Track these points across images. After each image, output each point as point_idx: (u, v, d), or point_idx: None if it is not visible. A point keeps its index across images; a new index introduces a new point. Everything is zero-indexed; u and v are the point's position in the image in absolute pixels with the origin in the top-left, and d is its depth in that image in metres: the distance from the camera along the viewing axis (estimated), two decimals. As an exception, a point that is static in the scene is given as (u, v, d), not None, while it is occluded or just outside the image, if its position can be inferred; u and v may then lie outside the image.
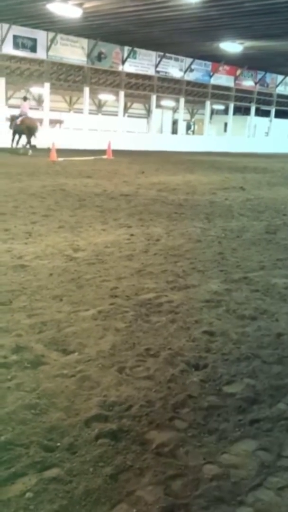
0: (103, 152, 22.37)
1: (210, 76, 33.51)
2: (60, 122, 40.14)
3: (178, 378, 3.02)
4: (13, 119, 21.44)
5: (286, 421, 2.65)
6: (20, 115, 21.19)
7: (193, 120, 46.25)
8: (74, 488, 2.09)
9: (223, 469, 2.27)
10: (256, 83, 36.86)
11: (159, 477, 2.20)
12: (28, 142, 21.36)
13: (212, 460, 2.32)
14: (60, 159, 18.82)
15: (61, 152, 20.12)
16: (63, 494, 2.06)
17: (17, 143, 21.54)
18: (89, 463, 2.25)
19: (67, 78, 29.59)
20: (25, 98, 22.92)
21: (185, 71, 31.87)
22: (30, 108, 23.39)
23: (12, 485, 2.10)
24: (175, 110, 41.16)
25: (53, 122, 35.15)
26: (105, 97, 39.28)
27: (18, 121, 20.96)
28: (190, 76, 32.35)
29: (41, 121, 23.88)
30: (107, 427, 2.49)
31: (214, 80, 33.84)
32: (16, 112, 22.40)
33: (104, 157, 21.58)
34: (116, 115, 31.69)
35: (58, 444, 2.37)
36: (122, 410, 2.65)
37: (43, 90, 27.71)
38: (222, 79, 34.40)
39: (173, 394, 2.84)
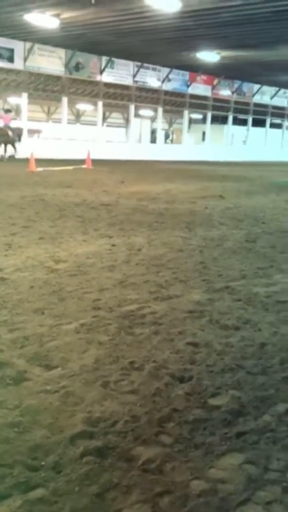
0: (82, 161, 22.34)
1: (188, 86, 33.79)
2: (38, 132, 40.02)
3: (163, 392, 2.99)
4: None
5: (272, 433, 2.64)
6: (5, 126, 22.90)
7: (171, 129, 46.56)
8: (60, 509, 2.05)
9: (210, 484, 2.24)
10: (233, 93, 37.27)
11: (147, 494, 2.16)
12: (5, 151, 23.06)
13: (199, 475, 2.30)
14: (39, 169, 18.75)
15: (40, 162, 20.05)
16: (49, 515, 2.02)
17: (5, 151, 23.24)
18: (74, 482, 2.21)
19: (45, 88, 29.55)
20: (7, 110, 24.30)
21: (163, 81, 32.09)
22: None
23: (-4, 508, 2.05)
24: (153, 119, 41.37)
25: (32, 132, 35.01)
26: (84, 106, 39.30)
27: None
28: (168, 86, 32.58)
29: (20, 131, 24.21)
30: (92, 444, 2.45)
31: (192, 90, 34.13)
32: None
33: (84, 166, 21.56)
34: (95, 124, 31.72)
35: (43, 463, 2.32)
36: (107, 426, 2.62)
37: (21, 100, 27.65)
38: (200, 88, 34.71)
39: (158, 408, 2.81)
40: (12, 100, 35.26)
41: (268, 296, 4.90)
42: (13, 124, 24.50)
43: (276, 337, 3.90)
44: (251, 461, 2.41)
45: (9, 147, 23.45)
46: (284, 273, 5.80)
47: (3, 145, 23.28)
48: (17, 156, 23.90)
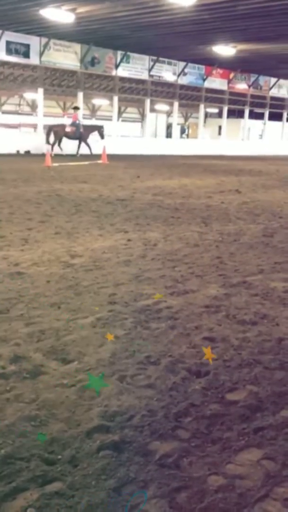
0: (98, 157, 22.34)
1: (204, 80, 33.57)
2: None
3: (179, 386, 2.98)
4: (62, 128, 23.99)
5: (291, 429, 2.61)
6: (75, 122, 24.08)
7: (187, 123, 46.33)
8: (76, 503, 2.04)
9: (228, 480, 2.22)
10: (249, 86, 36.96)
11: (163, 489, 2.15)
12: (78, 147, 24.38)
13: (216, 471, 2.28)
14: (55, 164, 18.79)
15: (56, 157, 20.09)
16: (66, 509, 2.01)
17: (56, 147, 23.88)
18: (91, 476, 2.20)
19: (60, 83, 29.61)
20: (75, 108, 25.77)
21: (179, 75, 31.92)
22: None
23: (13, 501, 2.05)
24: (169, 114, 41.21)
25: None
26: (99, 101, 39.29)
27: (81, 128, 24.04)
28: (184, 80, 32.39)
29: (35, 126, 24.45)
30: (109, 438, 2.44)
31: (208, 84, 33.90)
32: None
33: (99, 162, 21.56)
34: (111, 119, 31.69)
35: (59, 457, 2.32)
36: (124, 420, 2.61)
37: (37, 95, 27.69)
38: (216, 82, 34.46)
39: (175, 403, 2.80)
40: (28, 95, 35.40)
41: (285, 291, 4.85)
42: (84, 122, 25.97)
43: (294, 332, 3.86)
44: (270, 456, 2.39)
45: (80, 144, 24.31)
46: (301, 267, 5.74)
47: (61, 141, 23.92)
48: (32, 152, 24.16)
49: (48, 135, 23.87)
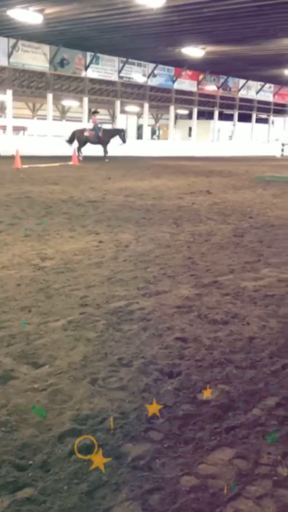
0: (68, 158, 22.23)
1: (173, 81, 33.72)
2: (23, 129, 39.77)
3: (152, 387, 2.97)
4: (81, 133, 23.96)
5: (262, 427, 2.63)
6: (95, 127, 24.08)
7: (157, 125, 46.46)
8: (48, 509, 2.02)
9: (200, 480, 2.22)
10: (218, 88, 37.27)
11: (136, 491, 2.14)
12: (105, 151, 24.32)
13: (189, 471, 2.28)
14: (25, 166, 18.62)
15: (25, 159, 19.91)
16: (37, 515, 1.99)
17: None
18: (63, 481, 2.18)
19: (29, 85, 29.36)
20: (94, 112, 25.60)
21: (148, 76, 31.99)
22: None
23: (-17, 509, 2.02)
24: (139, 115, 41.28)
25: (17, 129, 34.79)
26: (69, 103, 39.10)
27: (100, 133, 23.92)
28: (154, 81, 32.48)
29: (3, 128, 24.15)
30: (81, 442, 2.42)
31: (178, 85, 34.07)
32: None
33: (70, 163, 21.45)
34: (81, 121, 31.56)
35: (31, 462, 2.29)
36: (96, 423, 2.59)
37: (5, 97, 27.41)
38: (185, 84, 34.66)
39: (148, 404, 2.79)
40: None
41: (256, 290, 4.90)
42: (105, 126, 26.26)
43: (265, 331, 3.90)
44: (241, 455, 2.40)
45: (105, 148, 24.29)
46: (271, 267, 5.81)
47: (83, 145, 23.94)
48: (2, 154, 23.89)
49: (71, 139, 23.90)
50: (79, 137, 23.68)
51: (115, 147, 25.21)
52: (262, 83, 39.73)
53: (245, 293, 4.79)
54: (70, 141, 23.85)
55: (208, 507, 2.07)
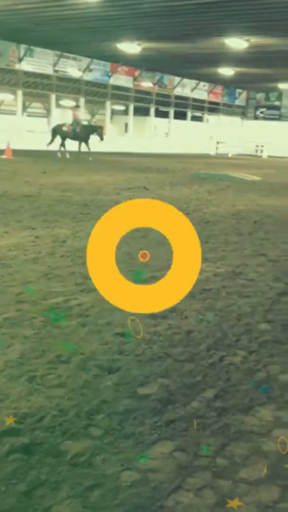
0: (1, 152, 21.68)
1: (109, 77, 33.60)
2: None
3: (91, 384, 2.95)
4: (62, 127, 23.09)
5: (201, 419, 2.66)
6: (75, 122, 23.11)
7: (94, 120, 46.16)
8: (-15, 511, 1.95)
9: (141, 475, 2.22)
10: (154, 84, 37.47)
11: (76, 489, 2.11)
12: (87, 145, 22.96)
13: (130, 466, 2.27)
14: None
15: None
16: (-26, 519, 1.92)
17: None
18: (1, 481, 2.11)
19: None
20: (75, 107, 25.07)
21: (84, 71, 31.71)
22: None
23: None
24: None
25: None
26: (2, 96, 38.11)
27: (78, 128, 22.89)
28: (89, 76, 32.24)
29: None
30: (19, 441, 2.36)
31: (114, 81, 33.98)
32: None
33: (3, 157, 20.94)
34: (15, 114, 30.87)
35: None
36: (34, 421, 2.53)
37: None
38: (121, 79, 34.62)
39: (87, 401, 2.76)
40: None
41: (194, 284, 4.95)
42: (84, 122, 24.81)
43: (202, 324, 3.96)
44: (181, 448, 2.42)
45: (80, 144, 23.02)
46: (208, 262, 5.90)
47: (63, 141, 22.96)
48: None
49: (52, 137, 23.12)
50: (59, 132, 22.97)
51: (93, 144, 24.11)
52: (197, 81, 40.30)
53: (183, 288, 4.82)
54: (52, 140, 23.08)
55: (149, 501, 2.07)
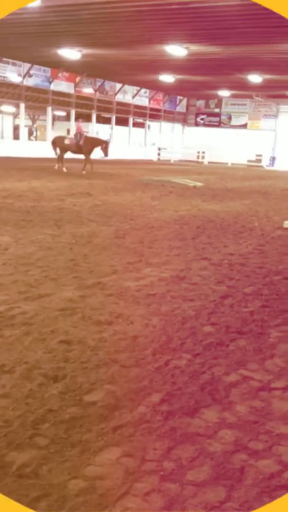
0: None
1: (50, 82, 33.33)
2: None
3: (36, 393, 2.90)
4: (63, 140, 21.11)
5: (148, 424, 2.67)
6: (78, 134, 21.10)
7: (35, 126, 45.68)
8: None
9: (88, 482, 2.21)
10: (95, 91, 37.46)
11: (22, 501, 2.07)
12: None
13: (76, 475, 2.25)
14: None
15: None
16: None
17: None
18: None
19: None
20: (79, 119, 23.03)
21: (24, 76, 31.32)
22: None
23: None
24: (15, 115, 40.25)
25: None
26: None
27: (81, 141, 20.73)
28: (30, 82, 31.85)
29: None
30: None
31: (54, 86, 33.71)
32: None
33: None
34: None
35: None
36: (-22, 434, 2.47)
37: None
38: (63, 85, 34.39)
39: (32, 410, 2.72)
40: None
41: (138, 289, 4.98)
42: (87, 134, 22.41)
43: (148, 329, 3.97)
44: (128, 454, 2.42)
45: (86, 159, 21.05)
46: (152, 266, 5.94)
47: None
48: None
49: (54, 148, 21.22)
50: (59, 145, 20.92)
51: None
52: (138, 88, 40.60)
53: (128, 293, 4.84)
54: (56, 152, 21.16)
55: (96, 509, 2.06)
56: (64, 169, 20.37)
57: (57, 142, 21.25)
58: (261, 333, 4.07)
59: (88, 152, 21.02)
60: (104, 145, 21.61)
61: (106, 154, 21.93)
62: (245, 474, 2.33)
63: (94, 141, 21.98)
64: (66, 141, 21.01)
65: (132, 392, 2.98)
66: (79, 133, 21.22)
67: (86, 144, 20.97)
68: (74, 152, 21.19)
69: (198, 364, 3.42)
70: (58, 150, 21.01)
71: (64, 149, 20.95)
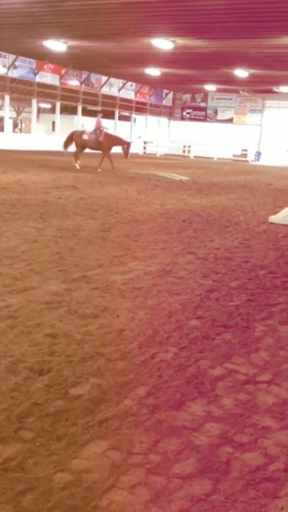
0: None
1: (35, 74, 33.05)
2: None
3: (21, 386, 2.88)
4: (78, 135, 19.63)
5: (134, 417, 2.67)
6: (98, 130, 19.53)
7: (20, 118, 45.31)
8: None
9: (74, 476, 2.20)
10: (81, 83, 37.23)
11: (8, 494, 2.06)
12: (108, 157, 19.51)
13: (63, 468, 2.25)
14: None
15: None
16: None
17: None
18: None
19: None
20: (100, 112, 21.23)
21: (9, 68, 31.01)
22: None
23: None
24: (0, 107, 39.87)
25: None
26: None
27: (101, 137, 19.28)
28: (15, 73, 31.56)
29: None
30: None
31: (40, 78, 33.44)
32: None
33: None
34: None
35: None
36: None
37: None
38: (48, 77, 34.12)
39: (17, 404, 2.70)
40: None
41: (124, 283, 4.97)
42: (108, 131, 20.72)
43: (134, 323, 3.97)
44: (114, 447, 2.42)
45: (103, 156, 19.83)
46: (138, 260, 5.93)
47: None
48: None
49: (67, 142, 20.04)
50: (77, 140, 19.61)
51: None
52: (124, 81, 40.44)
53: (114, 287, 4.83)
54: (66, 145, 20.10)
55: (82, 502, 2.06)
56: (77, 166, 19.41)
57: (75, 138, 19.84)
58: (247, 327, 4.09)
59: (107, 149, 19.78)
60: (126, 146, 20.58)
61: (126, 155, 20.80)
62: (231, 467, 2.34)
63: (116, 139, 20.73)
64: (85, 137, 19.61)
65: (118, 385, 2.98)
66: (98, 129, 19.77)
67: (105, 141, 19.71)
68: (92, 148, 19.92)
69: (184, 358, 3.43)
70: (73, 147, 19.72)
71: (81, 145, 19.74)
